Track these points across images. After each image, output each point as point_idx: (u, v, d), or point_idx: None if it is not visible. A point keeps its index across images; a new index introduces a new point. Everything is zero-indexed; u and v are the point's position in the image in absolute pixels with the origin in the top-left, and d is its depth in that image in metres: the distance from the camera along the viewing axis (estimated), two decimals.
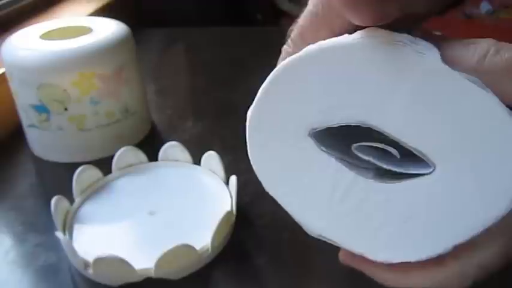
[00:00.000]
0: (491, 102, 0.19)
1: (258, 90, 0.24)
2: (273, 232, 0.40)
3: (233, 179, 0.41)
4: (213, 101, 0.63)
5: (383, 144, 0.22)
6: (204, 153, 0.45)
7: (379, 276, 0.25)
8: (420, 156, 0.21)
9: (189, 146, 0.46)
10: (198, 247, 0.35)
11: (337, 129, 0.23)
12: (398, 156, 0.23)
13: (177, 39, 0.86)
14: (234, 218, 0.39)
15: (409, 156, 0.22)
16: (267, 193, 0.26)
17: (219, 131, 0.56)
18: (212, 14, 1.01)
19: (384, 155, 0.23)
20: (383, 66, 0.20)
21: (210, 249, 0.36)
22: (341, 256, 0.27)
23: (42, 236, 0.40)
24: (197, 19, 0.97)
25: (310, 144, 0.24)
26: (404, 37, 0.20)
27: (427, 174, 0.22)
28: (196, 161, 0.46)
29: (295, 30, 0.24)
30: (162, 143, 0.46)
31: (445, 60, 0.19)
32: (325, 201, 0.25)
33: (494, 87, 0.19)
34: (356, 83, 0.21)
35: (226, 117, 0.58)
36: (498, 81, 0.19)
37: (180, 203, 0.42)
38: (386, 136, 0.22)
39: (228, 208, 0.38)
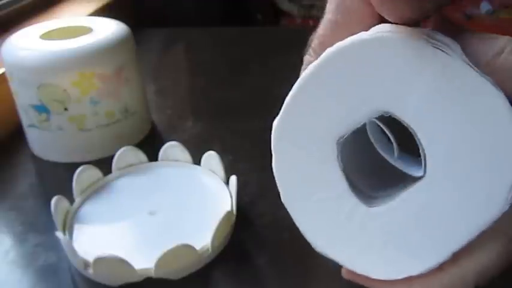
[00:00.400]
0: (500, 103, 0.19)
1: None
2: (273, 232, 0.40)
3: (233, 179, 0.41)
4: (213, 101, 0.63)
5: (385, 127, 0.22)
6: (204, 153, 0.45)
7: None
8: (422, 154, 0.21)
9: (189, 146, 0.46)
10: (198, 247, 0.35)
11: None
12: (395, 153, 0.23)
13: (176, 39, 0.86)
14: (234, 218, 0.39)
15: (407, 156, 0.22)
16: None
17: (219, 131, 0.56)
18: (212, 14, 1.01)
19: (387, 148, 0.24)
20: (402, 60, 0.20)
21: (210, 249, 0.36)
22: (344, 274, 0.27)
23: (42, 236, 0.40)
24: (197, 19, 0.97)
25: (331, 162, 0.24)
26: (422, 31, 0.20)
27: (418, 177, 0.22)
28: (196, 161, 0.46)
29: (315, 40, 0.24)
30: (162, 143, 0.46)
31: (465, 54, 0.19)
32: (330, 221, 0.25)
33: (506, 87, 0.19)
34: (375, 77, 0.21)
35: (226, 117, 0.58)
36: (509, 80, 0.18)
37: (180, 203, 0.42)
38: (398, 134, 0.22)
39: (228, 208, 0.38)
